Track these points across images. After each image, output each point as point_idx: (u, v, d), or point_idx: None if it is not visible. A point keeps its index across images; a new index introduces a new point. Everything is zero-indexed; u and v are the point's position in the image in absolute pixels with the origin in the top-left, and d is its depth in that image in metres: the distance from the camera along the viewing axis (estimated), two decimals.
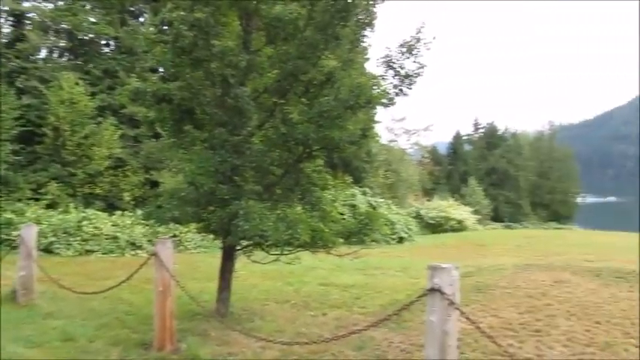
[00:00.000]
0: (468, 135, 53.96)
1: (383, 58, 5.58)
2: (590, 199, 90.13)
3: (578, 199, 57.22)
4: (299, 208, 5.92)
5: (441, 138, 59.54)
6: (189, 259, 12.78)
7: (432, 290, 3.11)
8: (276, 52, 5.81)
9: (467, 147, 52.36)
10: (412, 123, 54.16)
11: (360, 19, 5.89)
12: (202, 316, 6.38)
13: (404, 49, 5.45)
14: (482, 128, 53.24)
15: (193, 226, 7.98)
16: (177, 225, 9.87)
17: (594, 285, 8.37)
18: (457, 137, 50.59)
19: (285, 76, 5.60)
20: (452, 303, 3.06)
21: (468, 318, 3.13)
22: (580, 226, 51.27)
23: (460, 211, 31.10)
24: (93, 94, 17.12)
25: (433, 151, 47.95)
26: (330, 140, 5.31)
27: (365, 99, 5.11)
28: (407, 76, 5.53)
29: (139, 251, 13.46)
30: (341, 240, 6.00)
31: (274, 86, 5.79)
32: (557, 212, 51.97)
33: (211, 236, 7.86)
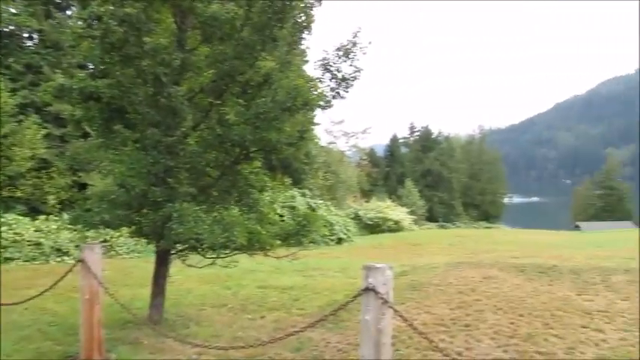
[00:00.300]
0: (405, 138, 55.73)
1: (320, 61, 5.63)
2: (517, 200, 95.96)
3: (506, 200, 60.75)
4: (236, 211, 5.83)
5: (379, 140, 61.07)
6: (121, 265, 12.24)
7: (367, 290, 3.16)
8: (212, 52, 5.68)
9: (403, 149, 54.02)
10: (351, 125, 55.25)
11: (298, 21, 5.90)
12: (134, 324, 6.12)
13: (340, 53, 5.53)
14: (417, 131, 55.21)
15: (125, 230, 7.65)
16: (107, 229, 9.42)
17: (519, 280, 8.88)
18: (394, 140, 52.12)
19: (222, 76, 5.49)
20: (386, 302, 3.12)
21: (401, 316, 3.22)
22: (507, 225, 54.41)
23: (397, 212, 32.02)
24: (13, 91, 15.98)
25: (371, 154, 49.07)
26: (267, 142, 5.26)
27: (302, 101, 5.12)
28: (344, 79, 5.60)
29: (65, 258, 12.71)
30: (278, 242, 5.98)
31: (210, 86, 5.66)
32: (486, 212, 54.87)
33: (145, 240, 7.56)
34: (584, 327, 5.65)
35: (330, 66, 5.55)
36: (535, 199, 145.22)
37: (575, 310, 6.43)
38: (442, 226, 43.41)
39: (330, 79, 5.58)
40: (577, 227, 44.97)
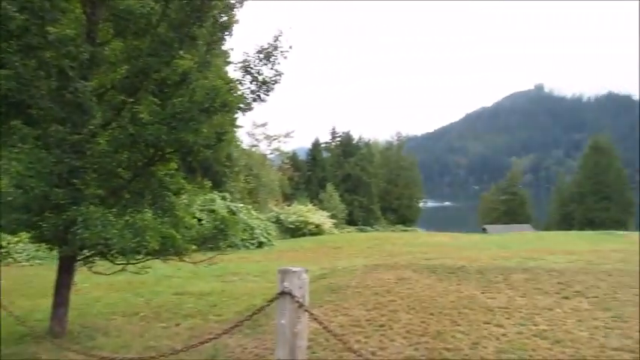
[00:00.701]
0: (326, 143, 56.57)
1: (241, 62, 5.56)
2: (431, 204, 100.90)
3: (421, 204, 63.53)
4: (149, 214, 5.56)
5: (302, 144, 61.48)
6: (20, 274, 11.27)
7: (282, 294, 3.14)
8: (126, 47, 5.41)
9: (325, 154, 54.80)
10: (273, 129, 55.09)
11: (219, 21, 5.78)
12: (32, 337, 5.63)
13: (261, 56, 5.49)
14: (339, 136, 56.27)
15: (25, 235, 7.02)
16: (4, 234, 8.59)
17: (431, 280, 9.33)
18: (316, 144, 52.72)
19: (136, 73, 5.23)
20: (301, 305, 3.13)
21: (316, 319, 3.24)
22: (422, 228, 57.03)
23: (318, 216, 32.40)
24: None
25: (293, 157, 49.32)
26: (183, 143, 5.08)
27: (221, 102, 5.01)
28: (264, 82, 5.57)
29: None
30: (194, 246, 5.79)
31: (123, 83, 5.37)
32: (403, 216, 57.17)
33: (47, 246, 6.99)
34: (487, 323, 6.05)
35: (251, 68, 5.49)
36: (447, 203, 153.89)
37: (480, 308, 6.87)
38: (361, 230, 44.56)
39: (251, 82, 5.52)
40: (484, 230, 48.19)
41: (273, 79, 5.61)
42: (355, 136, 55.51)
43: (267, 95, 5.71)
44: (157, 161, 5.62)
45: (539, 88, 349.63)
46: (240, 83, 5.55)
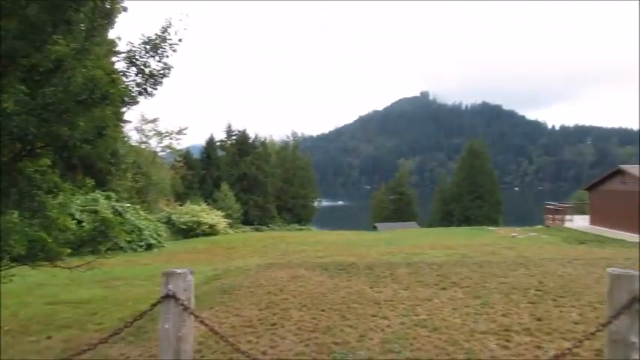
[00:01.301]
0: (222, 141, 55.37)
1: (125, 53, 5.20)
2: (325, 203, 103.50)
3: (316, 203, 64.81)
4: (15, 215, 4.98)
5: (196, 141, 59.35)
6: None
7: (167, 297, 3.01)
8: None
9: (220, 152, 53.59)
10: (165, 125, 52.50)
11: (100, 6, 5.35)
12: None
13: (148, 47, 5.18)
14: (234, 135, 55.35)
15: None
16: None
17: (323, 278, 9.58)
18: (210, 142, 51.32)
19: None
20: (186, 308, 3.02)
21: (202, 321, 3.14)
22: (317, 227, 58.37)
23: (212, 216, 31.59)
24: None
25: (187, 155, 47.51)
26: (56, 137, 4.62)
27: (100, 94, 4.63)
28: (151, 75, 5.27)
29: None
30: (69, 250, 5.30)
31: None
32: (299, 215, 57.94)
33: None
34: (373, 316, 6.35)
35: (136, 60, 5.17)
36: (341, 202, 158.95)
37: (368, 302, 7.20)
38: (257, 229, 44.35)
39: (137, 74, 5.19)
40: (375, 228, 50.57)
41: (162, 72, 5.32)
42: (251, 135, 54.99)
43: (155, 89, 5.42)
44: (25, 156, 5.05)
45: (425, 95, 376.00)
46: (125, 75, 5.19)
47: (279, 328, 5.89)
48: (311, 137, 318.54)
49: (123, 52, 5.26)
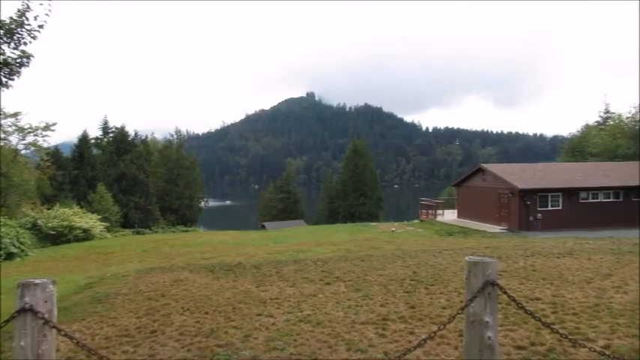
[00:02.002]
0: (97, 138, 51.18)
1: None
2: (212, 203, 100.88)
3: (202, 204, 62.91)
4: None
5: (67, 138, 53.86)
6: None
7: (23, 311, 2.70)
8: None
9: (95, 151, 49.48)
10: (30, 120, 46.97)
11: None
12: None
13: (1, 32, 4.58)
14: (111, 131, 51.50)
15: None
16: None
17: (208, 280, 9.34)
18: (84, 139, 47.10)
19: None
20: (47, 322, 2.74)
21: (66, 335, 2.87)
22: (204, 228, 56.71)
23: (86, 220, 29.17)
24: None
25: (56, 154, 43.09)
26: None
27: None
28: (6, 63, 4.68)
29: None
30: None
31: None
32: (184, 216, 55.72)
33: None
34: (259, 315, 6.35)
35: None
36: (228, 202, 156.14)
37: (254, 301, 7.17)
38: (138, 232, 41.80)
39: None
40: (263, 227, 50.57)
41: (19, 61, 4.75)
42: (131, 132, 51.46)
43: (11, 79, 4.82)
44: None
45: (311, 95, 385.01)
46: None
47: (160, 335, 5.62)
48: (197, 136, 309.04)
49: None
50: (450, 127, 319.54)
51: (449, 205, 31.85)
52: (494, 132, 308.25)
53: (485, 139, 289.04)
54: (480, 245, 15.01)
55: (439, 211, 30.16)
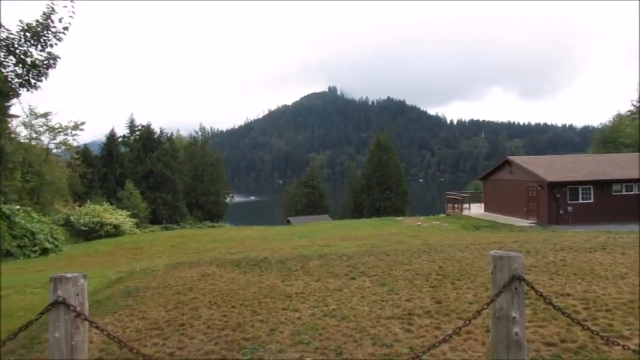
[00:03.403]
0: (124, 136, 52.27)
1: (2, 41, 4.67)
2: (238, 199, 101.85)
3: (228, 200, 63.63)
4: None
5: (96, 137, 55.24)
6: None
7: (56, 304, 2.79)
8: None
9: (123, 149, 50.56)
10: (60, 119, 48.33)
11: None
12: None
13: (29, 35, 4.71)
14: (138, 129, 52.47)
15: None
16: None
17: (234, 274, 9.46)
18: (112, 138, 48.16)
19: None
20: (79, 315, 2.82)
21: (98, 327, 2.96)
22: (230, 223, 57.36)
23: (116, 216, 29.90)
24: None
25: (85, 152, 44.23)
26: None
27: None
28: (34, 65, 4.81)
29: None
30: None
31: None
32: (210, 212, 56.49)
33: None
34: (284, 309, 6.40)
35: (16, 49, 4.67)
36: (253, 198, 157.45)
37: (279, 296, 7.23)
38: (166, 228, 42.58)
39: (16, 64, 4.70)
40: (288, 222, 50.86)
41: (46, 62, 4.87)
42: (156, 130, 52.34)
43: (40, 81, 4.95)
44: None
45: (333, 90, 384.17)
46: (2, 65, 4.68)
47: (188, 328, 5.73)
48: (221, 132, 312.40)
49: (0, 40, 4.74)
50: (475, 119, 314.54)
51: (475, 199, 31.41)
52: (521, 123, 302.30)
53: (512, 130, 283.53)
54: (507, 239, 14.76)
55: (465, 205, 29.78)
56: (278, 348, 4.84)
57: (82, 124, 38.41)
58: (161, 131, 53.45)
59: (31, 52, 4.75)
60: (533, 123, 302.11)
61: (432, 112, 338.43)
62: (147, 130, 50.84)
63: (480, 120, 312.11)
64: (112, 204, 33.72)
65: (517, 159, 26.83)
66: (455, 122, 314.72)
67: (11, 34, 4.71)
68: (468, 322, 3.05)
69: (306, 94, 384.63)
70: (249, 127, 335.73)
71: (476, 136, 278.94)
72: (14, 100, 5.43)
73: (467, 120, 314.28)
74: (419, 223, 24.31)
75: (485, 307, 2.87)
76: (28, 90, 4.83)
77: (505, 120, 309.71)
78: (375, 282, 7.95)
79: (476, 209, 29.16)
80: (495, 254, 2.85)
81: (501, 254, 2.84)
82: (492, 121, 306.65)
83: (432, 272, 8.55)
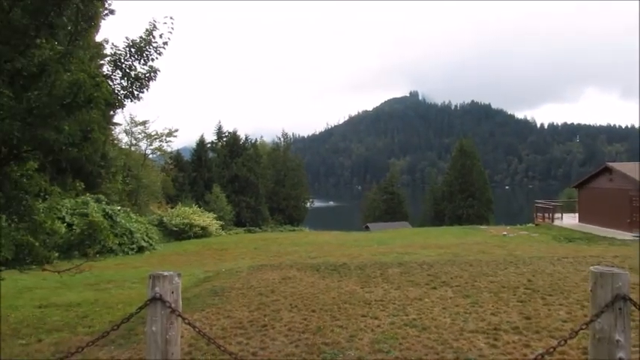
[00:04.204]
0: (212, 142, 55.12)
1: (110, 56, 5.16)
2: (317, 204, 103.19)
3: (308, 204, 64.70)
4: (3, 220, 4.92)
5: (186, 143, 58.92)
6: None
7: (153, 300, 3.00)
8: None
9: (211, 154, 53.35)
10: (156, 127, 52.07)
11: (82, 9, 5.29)
12: None
13: (133, 50, 5.15)
14: (225, 136, 55.10)
15: None
16: None
17: (314, 278, 9.59)
18: (201, 144, 51.03)
19: None
20: (174, 311, 3.01)
21: (189, 323, 3.14)
22: (309, 228, 58.31)
23: (204, 218, 31.50)
24: None
25: (177, 157, 47.26)
26: (41, 141, 4.57)
27: (85, 98, 4.59)
28: (137, 78, 5.24)
29: None
30: (56, 254, 5.26)
31: None
32: (291, 216, 57.82)
33: None
34: (364, 316, 6.38)
35: (122, 63, 5.13)
36: (332, 203, 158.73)
37: (358, 302, 7.22)
38: (249, 231, 44.19)
39: (122, 78, 5.16)
40: (367, 228, 50.62)
41: (147, 75, 5.29)
42: (242, 136, 54.75)
43: (142, 92, 5.39)
44: (12, 160, 5.00)
45: (414, 95, 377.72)
46: (110, 79, 5.15)
47: (270, 330, 5.89)
48: (302, 138, 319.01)
49: (108, 56, 5.22)
50: (569, 122, 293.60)
51: (568, 209, 29.27)
52: (622, 127, 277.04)
53: (612, 134, 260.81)
54: (606, 253, 13.58)
55: (557, 215, 27.83)
56: (357, 355, 4.83)
57: (176, 130, 41.11)
58: (246, 137, 55.78)
59: (135, 66, 5.18)
60: (636, 126, 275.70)
61: (519, 115, 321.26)
62: (233, 137, 53.27)
63: (575, 123, 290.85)
64: (200, 207, 35.62)
65: (618, 165, 24.65)
66: (546, 126, 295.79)
67: (118, 49, 5.18)
68: (563, 341, 2.84)
69: (386, 100, 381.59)
70: (329, 133, 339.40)
71: (570, 140, 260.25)
72: (117, 110, 5.95)
73: (559, 123, 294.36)
74: (505, 233, 23.11)
75: (583, 326, 2.66)
76: (131, 101, 5.29)
77: (604, 123, 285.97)
78: (457, 293, 7.68)
79: (569, 219, 27.15)
80: (596, 270, 2.63)
81: (602, 270, 2.62)
82: (589, 125, 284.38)
83: (519, 285, 8.09)
